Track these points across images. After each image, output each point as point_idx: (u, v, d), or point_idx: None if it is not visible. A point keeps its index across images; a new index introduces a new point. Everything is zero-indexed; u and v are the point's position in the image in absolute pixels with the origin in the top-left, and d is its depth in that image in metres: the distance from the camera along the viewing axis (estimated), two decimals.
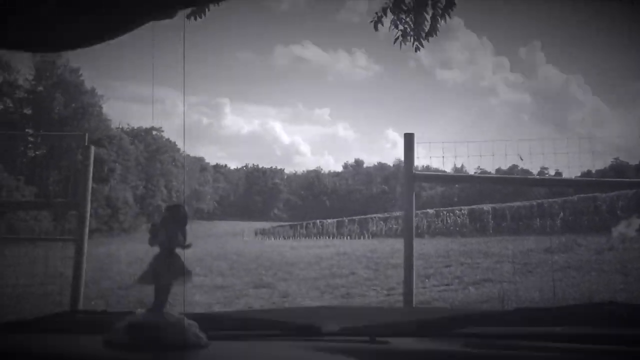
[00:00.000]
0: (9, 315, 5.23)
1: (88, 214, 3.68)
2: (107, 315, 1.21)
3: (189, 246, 1.05)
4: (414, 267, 3.95)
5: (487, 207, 26.47)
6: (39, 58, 43.16)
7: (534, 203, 25.24)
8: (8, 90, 41.00)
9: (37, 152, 40.36)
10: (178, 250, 1.05)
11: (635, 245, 11.74)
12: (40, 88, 41.84)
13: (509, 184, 4.96)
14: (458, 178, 3.95)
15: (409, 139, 3.98)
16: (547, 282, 7.89)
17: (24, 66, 45.04)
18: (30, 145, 41.45)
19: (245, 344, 1.10)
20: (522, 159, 4.21)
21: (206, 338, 0.99)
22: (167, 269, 1.01)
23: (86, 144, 3.76)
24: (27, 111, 41.65)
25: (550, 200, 24.94)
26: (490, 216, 25.79)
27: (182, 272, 1.02)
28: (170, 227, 1.02)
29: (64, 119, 39.85)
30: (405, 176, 3.92)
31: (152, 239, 1.05)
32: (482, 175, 4.66)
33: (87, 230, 3.66)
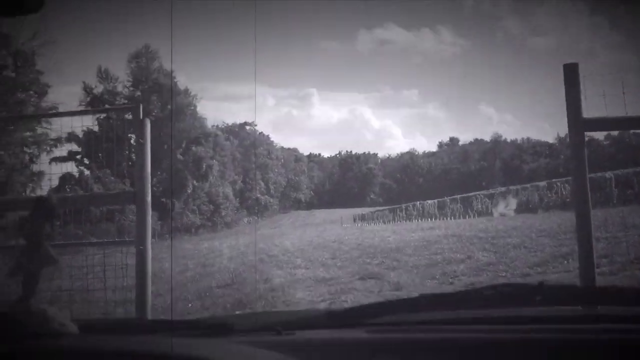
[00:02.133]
0: None
1: (149, 207, 2.87)
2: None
3: (54, 238, 1.08)
4: (593, 245, 2.78)
5: (609, 174, 23.79)
6: (134, 64, 44.91)
7: None
8: (109, 98, 42.90)
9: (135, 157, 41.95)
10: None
11: None
12: (138, 93, 43.41)
13: None
14: None
15: (571, 72, 2.82)
16: None
17: (121, 73, 47.01)
18: (133, 150, 43.21)
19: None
20: None
21: (76, 327, 0.95)
22: (34, 260, 0.99)
23: (141, 117, 2.96)
24: (128, 116, 43.42)
25: None
26: (613, 184, 23.12)
27: (49, 262, 1.01)
28: (37, 219, 1.01)
29: (160, 121, 41.13)
30: (572, 122, 2.77)
31: (18, 231, 1.08)
32: None
33: (149, 227, 2.85)
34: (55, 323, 0.93)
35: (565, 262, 7.91)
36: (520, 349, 1.03)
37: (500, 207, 28.24)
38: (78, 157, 40.57)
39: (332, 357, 0.93)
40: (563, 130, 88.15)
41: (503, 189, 37.95)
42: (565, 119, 2.87)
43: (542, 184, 29.16)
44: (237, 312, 6.91)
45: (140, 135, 2.88)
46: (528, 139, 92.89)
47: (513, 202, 27.55)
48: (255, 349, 1.05)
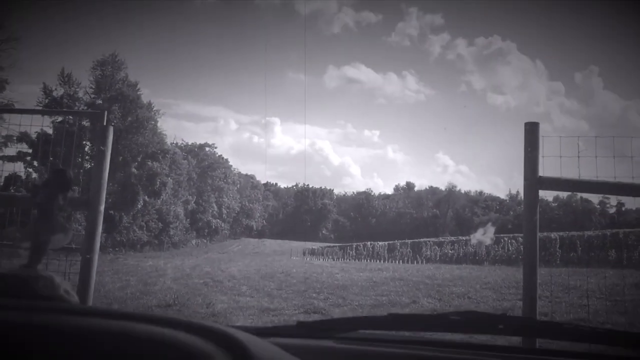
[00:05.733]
0: None
1: (101, 216, 2.77)
2: None
3: (66, 210, 1.08)
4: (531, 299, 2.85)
5: (554, 235, 24.56)
6: (99, 72, 44.17)
7: (607, 233, 23.17)
8: (68, 102, 41.89)
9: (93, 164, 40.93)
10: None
11: None
12: (99, 101, 42.57)
13: None
14: (599, 185, 2.89)
15: (532, 130, 2.94)
16: None
17: (84, 79, 46.22)
18: (87, 157, 42.11)
19: None
20: None
21: (77, 297, 1.01)
22: (44, 229, 1.04)
23: (104, 123, 2.88)
24: (86, 123, 42.43)
25: (626, 230, 22.84)
26: (558, 245, 23.86)
27: (59, 231, 1.06)
28: (52, 189, 1.05)
29: (120, 132, 40.33)
30: (528, 180, 2.87)
31: (30, 198, 1.08)
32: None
33: (98, 237, 2.76)
34: (61, 290, 0.96)
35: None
36: None
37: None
38: (28, 158, 39.29)
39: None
40: (515, 187, 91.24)
41: (453, 238, 38.61)
42: (517, 177, 2.97)
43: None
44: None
45: (102, 143, 2.80)
46: (481, 192, 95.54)
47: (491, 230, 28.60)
48: None
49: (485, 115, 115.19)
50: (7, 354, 0.71)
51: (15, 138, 33.71)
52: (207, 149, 62.31)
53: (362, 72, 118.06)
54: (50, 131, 34.19)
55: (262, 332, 1.20)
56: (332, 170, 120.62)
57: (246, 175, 78.83)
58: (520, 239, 26.72)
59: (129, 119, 43.08)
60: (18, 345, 0.72)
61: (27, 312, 0.79)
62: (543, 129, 3.02)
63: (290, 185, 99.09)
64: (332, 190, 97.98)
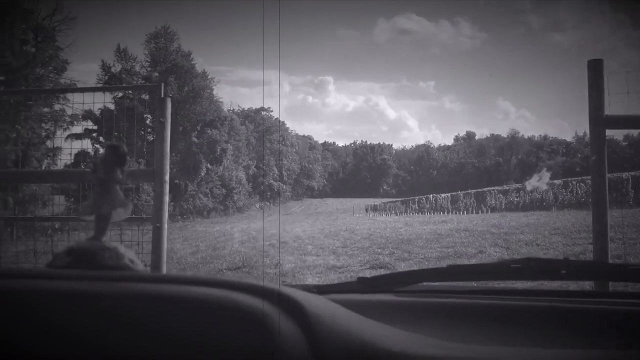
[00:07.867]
0: None
1: (167, 186, 2.89)
2: None
3: (126, 183, 1.13)
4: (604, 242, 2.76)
5: (626, 175, 23.47)
6: (153, 45, 45.01)
7: None
8: (127, 77, 43.05)
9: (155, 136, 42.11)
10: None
11: None
12: (156, 74, 43.51)
13: None
14: None
15: (595, 68, 2.79)
16: None
17: (139, 53, 47.22)
18: (149, 129, 43.40)
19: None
20: None
21: (143, 266, 1.04)
22: (106, 201, 1.09)
23: (162, 96, 2.96)
24: (145, 96, 43.60)
25: None
26: (630, 185, 22.82)
27: (120, 204, 1.10)
28: (109, 164, 1.10)
29: (177, 103, 41.21)
30: (594, 119, 2.75)
31: (90, 174, 1.13)
32: None
33: (166, 206, 2.87)
34: (126, 259, 1.02)
35: None
36: (542, 317, 1.07)
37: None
38: (94, 134, 40.92)
39: (363, 314, 0.96)
40: (582, 128, 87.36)
41: (518, 185, 37.66)
42: (585, 118, 2.84)
43: (558, 182, 28.89)
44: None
45: (161, 114, 2.89)
46: (545, 136, 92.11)
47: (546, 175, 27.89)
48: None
49: (546, 55, 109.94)
50: (83, 321, 0.77)
51: (80, 116, 35.05)
52: (263, 112, 62.90)
53: (413, 22, 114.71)
54: (112, 107, 35.46)
55: (323, 290, 1.23)
56: (388, 125, 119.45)
57: (303, 136, 79.29)
58: (589, 181, 25.69)
59: (185, 89, 43.89)
60: (93, 313, 0.78)
61: (98, 281, 0.84)
62: (608, 65, 2.87)
63: (348, 143, 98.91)
64: (391, 145, 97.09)
